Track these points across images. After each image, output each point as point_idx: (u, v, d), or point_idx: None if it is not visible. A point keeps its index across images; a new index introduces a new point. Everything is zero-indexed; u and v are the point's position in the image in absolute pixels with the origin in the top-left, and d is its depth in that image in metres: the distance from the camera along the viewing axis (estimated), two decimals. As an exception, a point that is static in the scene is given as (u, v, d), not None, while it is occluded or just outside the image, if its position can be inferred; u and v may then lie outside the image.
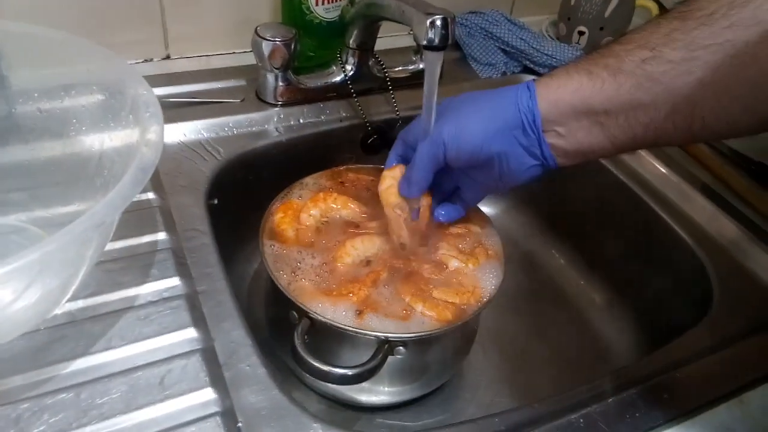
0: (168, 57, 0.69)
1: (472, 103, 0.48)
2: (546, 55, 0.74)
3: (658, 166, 0.65)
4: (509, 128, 0.46)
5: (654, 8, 0.80)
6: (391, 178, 0.52)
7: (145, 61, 0.68)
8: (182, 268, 0.48)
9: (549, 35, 0.84)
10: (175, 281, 0.47)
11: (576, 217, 0.70)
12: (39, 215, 0.49)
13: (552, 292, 0.70)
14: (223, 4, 0.69)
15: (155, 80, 0.64)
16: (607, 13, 0.77)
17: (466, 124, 0.47)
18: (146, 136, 0.42)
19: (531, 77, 0.50)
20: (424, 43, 0.47)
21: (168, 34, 0.68)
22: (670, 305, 0.59)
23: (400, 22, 0.56)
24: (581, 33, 0.79)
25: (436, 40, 0.46)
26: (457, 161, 0.48)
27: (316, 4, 0.65)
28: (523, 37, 0.76)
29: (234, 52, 0.72)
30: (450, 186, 0.54)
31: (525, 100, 0.46)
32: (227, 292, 0.47)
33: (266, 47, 0.60)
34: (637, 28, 0.42)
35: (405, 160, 0.52)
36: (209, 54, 0.71)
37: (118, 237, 0.49)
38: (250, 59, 0.69)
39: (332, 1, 0.66)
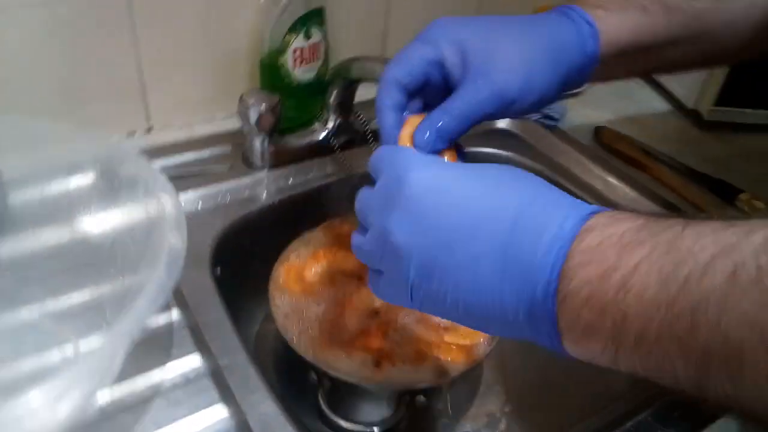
0: (151, 129, 0.70)
1: (530, 42, 0.40)
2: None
3: (628, 191, 0.70)
4: (571, 72, 0.41)
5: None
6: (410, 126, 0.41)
7: (129, 134, 0.69)
8: (201, 345, 0.49)
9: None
10: (196, 359, 0.48)
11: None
12: (51, 308, 0.49)
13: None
14: (201, 73, 0.70)
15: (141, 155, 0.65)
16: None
17: (536, 73, 0.40)
18: (164, 216, 0.43)
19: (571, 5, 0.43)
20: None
21: (149, 107, 0.69)
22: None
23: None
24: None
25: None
26: (511, 112, 0.41)
27: (294, 67, 0.68)
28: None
29: (215, 118, 0.73)
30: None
31: (590, 43, 0.41)
32: (249, 363, 0.48)
33: (253, 114, 0.62)
34: None
35: (402, 110, 0.42)
36: (191, 122, 0.72)
37: (132, 319, 0.50)
38: (232, 124, 0.71)
39: (308, 63, 0.69)
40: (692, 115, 0.82)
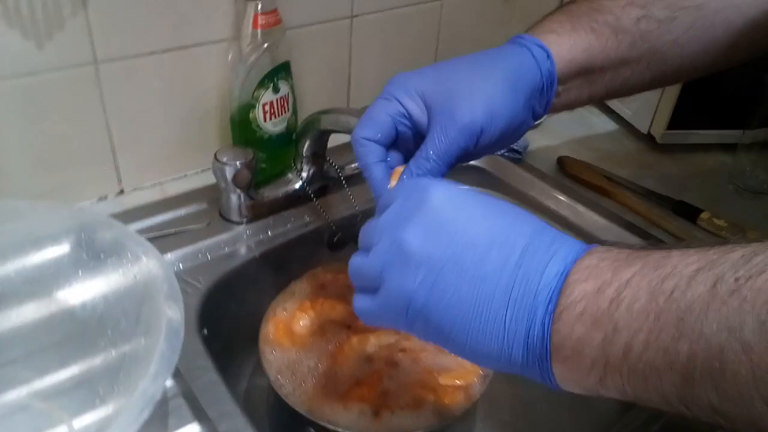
0: (122, 192, 0.70)
1: (485, 72, 0.42)
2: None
3: (596, 218, 0.72)
4: (533, 95, 0.43)
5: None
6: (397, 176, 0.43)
7: (100, 199, 0.68)
8: (198, 412, 0.48)
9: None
10: (195, 428, 0.47)
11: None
12: (39, 386, 0.48)
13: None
14: (170, 132, 0.70)
15: (116, 219, 0.64)
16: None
17: (497, 100, 0.41)
18: (155, 283, 0.43)
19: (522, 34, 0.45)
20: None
21: (120, 169, 0.69)
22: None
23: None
24: None
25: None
26: (486, 145, 0.42)
27: (264, 121, 0.69)
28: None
29: (186, 175, 0.73)
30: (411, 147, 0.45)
31: (545, 64, 0.43)
32: (248, 426, 0.47)
33: (229, 172, 0.62)
34: None
35: (384, 162, 0.44)
36: (163, 181, 0.72)
37: (123, 391, 0.49)
38: (204, 180, 0.71)
39: (278, 116, 0.69)
40: (647, 139, 0.86)
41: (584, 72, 0.44)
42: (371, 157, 0.43)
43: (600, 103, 0.94)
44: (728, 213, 0.71)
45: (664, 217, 0.71)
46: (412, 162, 0.42)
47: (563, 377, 0.32)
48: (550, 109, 0.46)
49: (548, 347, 0.31)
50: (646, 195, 0.76)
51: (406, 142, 0.45)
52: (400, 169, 0.43)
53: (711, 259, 0.28)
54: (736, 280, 0.26)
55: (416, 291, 0.33)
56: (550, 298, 0.31)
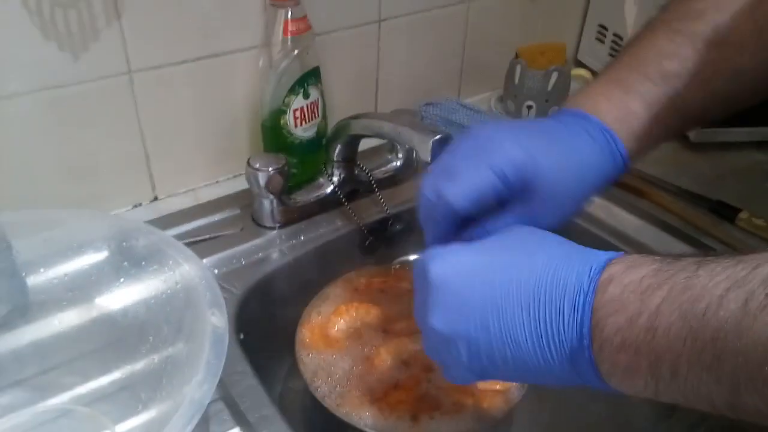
0: (156, 198, 0.70)
1: (572, 174, 0.42)
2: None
3: (632, 219, 0.71)
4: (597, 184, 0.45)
5: (587, 75, 0.89)
6: None
7: (135, 207, 0.69)
8: (239, 416, 0.48)
9: (498, 111, 0.90)
10: (237, 432, 0.47)
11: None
12: (81, 391, 0.49)
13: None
14: (202, 139, 0.71)
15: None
16: (549, 87, 0.84)
17: (570, 207, 0.43)
18: (197, 291, 0.43)
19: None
20: (429, 160, 0.51)
21: (153, 177, 0.69)
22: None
23: (391, 140, 0.60)
24: (529, 107, 0.86)
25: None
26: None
27: (295, 126, 0.69)
28: (482, 121, 0.82)
29: (218, 181, 0.74)
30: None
31: (619, 161, 0.44)
32: (288, 431, 0.47)
33: (263, 178, 0.62)
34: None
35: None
36: (195, 187, 0.72)
37: (164, 397, 0.49)
38: (236, 186, 0.72)
39: (309, 122, 0.70)
40: (680, 138, 0.85)
41: (647, 129, 0.45)
42: (434, 230, 0.43)
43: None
44: (766, 212, 0.70)
45: (701, 217, 0.70)
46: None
47: (622, 390, 0.33)
48: None
49: (599, 373, 0.32)
50: (681, 195, 0.74)
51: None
52: None
53: (740, 276, 0.28)
54: (767, 296, 0.27)
55: (469, 363, 0.36)
56: (582, 335, 0.32)
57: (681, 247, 0.67)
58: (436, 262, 0.36)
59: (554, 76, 0.84)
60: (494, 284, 0.34)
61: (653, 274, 0.31)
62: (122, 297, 0.49)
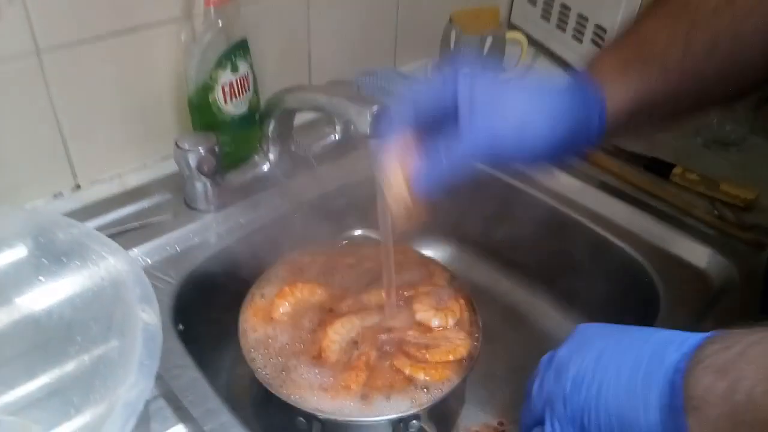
0: (78, 187, 0.66)
1: (532, 101, 0.42)
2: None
3: (571, 180, 0.72)
4: (574, 139, 0.43)
5: (522, 38, 0.88)
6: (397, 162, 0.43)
7: (55, 197, 0.64)
8: (181, 412, 0.46)
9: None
10: (180, 430, 0.45)
11: (513, 243, 0.74)
12: (6, 399, 0.45)
13: (513, 315, 0.74)
14: (125, 120, 0.66)
15: (73, 216, 0.61)
16: (485, 51, 0.83)
17: (528, 127, 0.42)
18: (124, 285, 0.40)
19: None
20: (368, 133, 0.49)
21: (73, 163, 0.65)
22: (621, 308, 0.65)
23: (327, 113, 0.57)
24: (466, 72, 0.85)
25: (380, 130, 0.48)
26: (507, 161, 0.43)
27: (225, 102, 0.65)
28: (420, 88, 0.81)
29: (145, 164, 0.69)
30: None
31: (596, 120, 0.43)
32: (236, 423, 0.45)
33: (192, 158, 0.59)
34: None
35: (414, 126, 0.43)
36: (121, 172, 0.68)
37: (100, 398, 0.46)
38: (166, 169, 0.68)
39: (239, 97, 0.66)
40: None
41: (632, 115, 0.44)
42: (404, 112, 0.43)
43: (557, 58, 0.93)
44: (699, 166, 0.72)
45: (637, 176, 0.71)
46: (433, 160, 0.42)
47: None
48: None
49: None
50: (616, 153, 0.75)
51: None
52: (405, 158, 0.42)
53: None
54: None
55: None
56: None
57: (618, 205, 0.68)
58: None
59: (489, 40, 0.83)
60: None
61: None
62: (44, 296, 0.46)
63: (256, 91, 0.69)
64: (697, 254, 0.62)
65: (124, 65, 0.64)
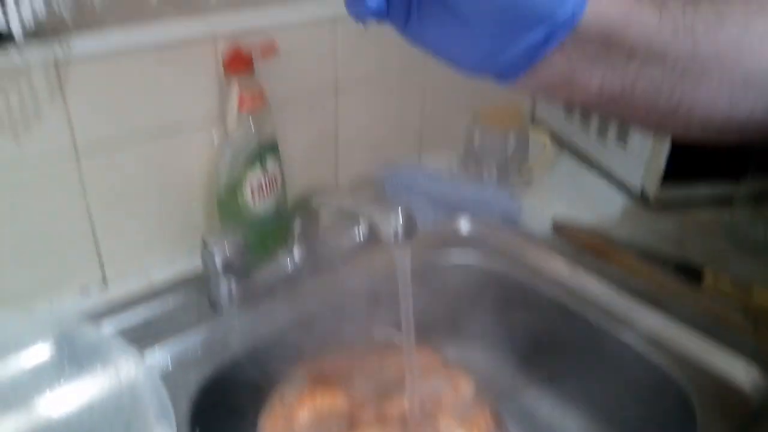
0: (105, 280, 0.66)
1: None
2: (472, 200, 0.80)
3: (596, 282, 0.70)
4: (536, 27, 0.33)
5: (546, 137, 0.89)
6: None
7: (82, 291, 0.65)
8: None
9: (460, 173, 0.90)
10: None
11: (539, 351, 0.72)
12: None
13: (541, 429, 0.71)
14: (154, 215, 0.68)
15: (98, 314, 0.61)
16: (509, 150, 0.84)
17: None
18: (143, 398, 0.39)
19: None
20: (392, 239, 0.49)
21: (102, 258, 0.66)
22: (656, 424, 0.62)
23: (352, 215, 0.58)
24: (490, 168, 0.86)
25: (405, 234, 0.48)
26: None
27: (253, 201, 0.67)
28: (445, 188, 0.81)
29: (172, 260, 0.70)
30: None
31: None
32: None
33: (219, 258, 0.59)
34: None
35: None
36: (148, 267, 0.69)
37: None
38: (192, 263, 0.68)
39: (267, 196, 0.67)
40: (641, 197, 0.85)
41: (608, 41, 0.35)
42: None
43: (592, 164, 0.93)
44: (730, 269, 0.70)
45: (667, 279, 0.69)
46: None
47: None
48: (544, 86, 0.37)
49: None
50: (645, 255, 0.74)
51: None
52: None
53: None
54: None
55: None
56: None
57: (649, 312, 0.66)
58: None
59: (512, 138, 0.84)
60: None
61: None
62: (63, 403, 0.45)
63: (283, 188, 0.70)
64: (734, 368, 0.59)
65: (158, 164, 0.66)
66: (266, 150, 0.66)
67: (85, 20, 0.56)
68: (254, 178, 0.66)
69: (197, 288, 0.65)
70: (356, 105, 0.81)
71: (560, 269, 0.73)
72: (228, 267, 0.60)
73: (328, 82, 0.77)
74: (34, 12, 0.49)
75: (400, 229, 0.50)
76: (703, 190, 0.84)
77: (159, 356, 0.58)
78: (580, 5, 0.33)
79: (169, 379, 0.56)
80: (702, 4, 0.35)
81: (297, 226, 0.65)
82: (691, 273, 0.71)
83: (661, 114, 0.37)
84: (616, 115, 0.42)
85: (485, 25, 0.34)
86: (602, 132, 0.90)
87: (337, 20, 0.74)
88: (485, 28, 0.34)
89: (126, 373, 0.42)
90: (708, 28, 0.35)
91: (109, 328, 0.59)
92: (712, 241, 0.77)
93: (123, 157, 0.63)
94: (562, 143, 0.98)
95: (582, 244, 0.76)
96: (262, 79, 0.66)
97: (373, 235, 0.72)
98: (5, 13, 0.48)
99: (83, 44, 0.57)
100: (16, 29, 0.48)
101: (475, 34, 0.34)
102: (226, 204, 0.67)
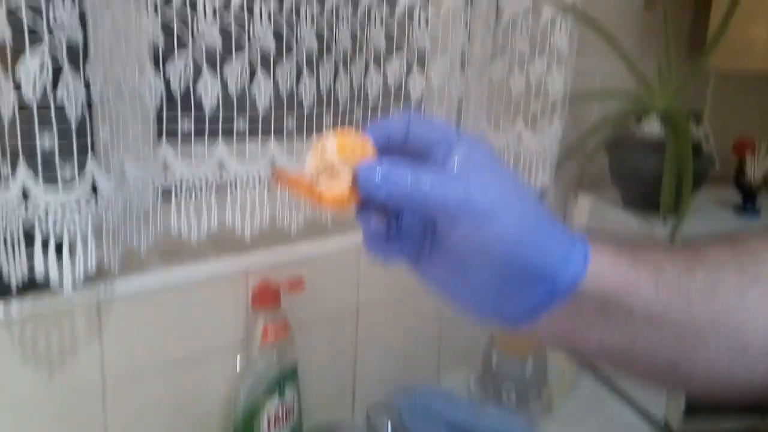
0: None
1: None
2: (490, 429, 0.79)
3: None
4: (532, 279, 0.35)
5: (565, 365, 0.90)
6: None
7: None
8: None
9: (478, 394, 0.89)
10: None
11: None
12: None
13: None
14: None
15: None
16: (527, 374, 0.85)
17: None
18: None
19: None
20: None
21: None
22: None
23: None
24: (508, 392, 0.85)
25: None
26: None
27: (269, 430, 0.67)
28: (463, 414, 0.81)
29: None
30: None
31: (572, 269, 0.35)
32: None
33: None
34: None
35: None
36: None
37: None
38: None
39: (284, 425, 0.68)
40: (665, 429, 0.83)
41: (607, 305, 0.36)
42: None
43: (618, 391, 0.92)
44: None
45: None
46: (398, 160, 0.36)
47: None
48: (545, 331, 0.38)
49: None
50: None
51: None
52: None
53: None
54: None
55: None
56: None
57: None
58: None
59: (531, 363, 0.85)
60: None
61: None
62: None
63: (300, 416, 0.71)
64: None
65: (179, 392, 0.68)
66: (286, 377, 0.68)
67: (130, 265, 0.62)
68: (272, 407, 0.67)
69: None
70: (376, 325, 0.83)
71: None
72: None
73: (350, 305, 0.80)
74: (85, 266, 0.54)
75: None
76: (728, 423, 0.82)
77: None
78: (581, 272, 0.35)
79: None
80: (697, 272, 0.36)
81: (311, 462, 0.64)
82: None
83: (662, 371, 0.38)
84: (619, 367, 0.41)
85: (492, 280, 0.36)
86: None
87: (362, 249, 0.79)
88: (491, 283, 0.37)
89: None
90: (703, 297, 0.36)
91: None
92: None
93: (147, 387, 0.65)
94: (581, 365, 0.97)
95: None
96: (286, 306, 0.69)
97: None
98: (60, 267, 0.53)
99: (125, 286, 0.62)
100: (67, 282, 0.53)
101: (483, 286, 0.37)
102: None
